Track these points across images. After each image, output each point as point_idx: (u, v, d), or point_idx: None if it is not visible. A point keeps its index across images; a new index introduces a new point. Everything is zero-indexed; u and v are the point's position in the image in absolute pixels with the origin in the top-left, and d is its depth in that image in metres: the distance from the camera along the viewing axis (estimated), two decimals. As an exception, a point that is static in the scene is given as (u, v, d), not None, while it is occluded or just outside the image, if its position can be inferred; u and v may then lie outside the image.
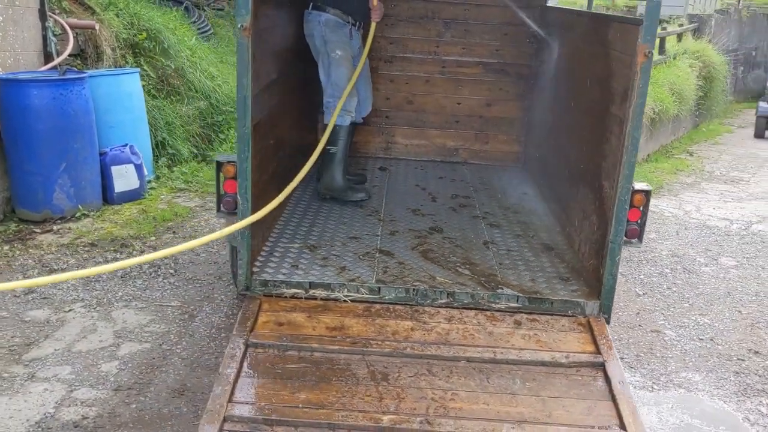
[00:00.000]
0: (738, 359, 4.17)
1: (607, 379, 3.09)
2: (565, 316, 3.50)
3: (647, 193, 3.54)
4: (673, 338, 4.42)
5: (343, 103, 4.50)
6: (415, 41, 5.91)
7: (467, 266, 3.87)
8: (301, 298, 3.53)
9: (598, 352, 3.24)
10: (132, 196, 6.56)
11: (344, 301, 3.52)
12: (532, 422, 2.85)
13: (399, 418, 2.82)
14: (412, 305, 3.52)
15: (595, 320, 3.46)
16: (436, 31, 5.87)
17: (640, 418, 2.89)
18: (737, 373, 4.02)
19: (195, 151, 7.86)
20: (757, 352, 4.26)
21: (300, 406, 2.88)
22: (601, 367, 3.16)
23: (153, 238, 5.71)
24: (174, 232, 5.86)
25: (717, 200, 7.97)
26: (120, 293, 4.71)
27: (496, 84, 5.95)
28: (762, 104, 13.65)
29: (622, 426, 2.83)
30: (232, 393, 2.90)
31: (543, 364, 3.17)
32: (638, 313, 4.76)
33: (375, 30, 4.55)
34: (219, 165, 3.57)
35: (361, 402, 2.92)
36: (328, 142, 4.59)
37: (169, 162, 7.45)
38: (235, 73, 9.75)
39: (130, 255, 5.32)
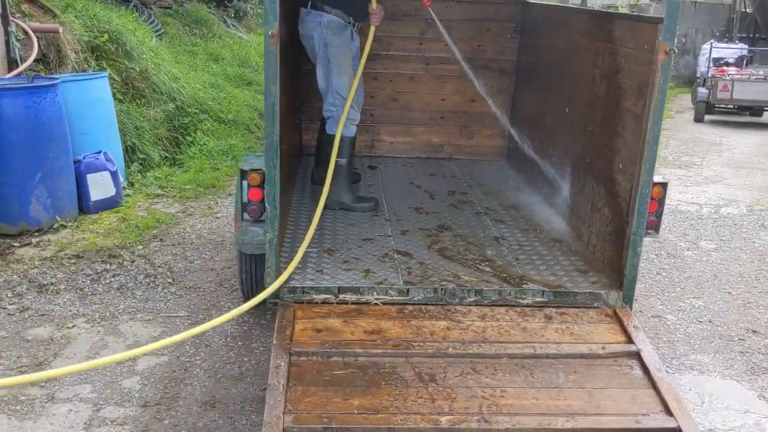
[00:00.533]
0: (739, 339, 4.37)
1: (644, 368, 3.20)
2: (590, 308, 3.60)
3: (664, 186, 3.66)
4: (675, 322, 4.58)
5: (347, 113, 4.49)
6: (399, 39, 5.92)
7: (486, 263, 3.92)
8: (332, 303, 3.52)
9: (630, 341, 3.35)
10: (108, 204, 6.38)
11: (375, 304, 3.53)
12: (583, 414, 2.92)
13: (456, 418, 2.86)
14: (442, 305, 3.55)
15: (621, 310, 3.57)
16: (419, 28, 5.90)
17: (684, 404, 3.00)
18: (742, 353, 4.21)
19: (165, 154, 7.69)
20: (755, 332, 4.46)
21: (355, 412, 2.88)
22: (637, 355, 3.26)
23: (140, 247, 5.57)
24: (161, 240, 5.73)
25: (678, 185, 8.26)
26: (121, 306, 4.59)
27: (480, 79, 6.00)
28: (700, 90, 14.18)
29: (668, 412, 2.94)
30: (285, 403, 2.89)
31: (582, 356, 3.26)
32: (636, 299, 4.90)
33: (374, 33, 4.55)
34: (243, 173, 3.52)
35: (414, 404, 2.94)
36: (335, 155, 4.56)
37: (141, 167, 7.27)
38: (194, 73, 9.61)
39: (120, 266, 5.19)
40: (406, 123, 6.10)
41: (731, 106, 14.39)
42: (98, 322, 4.37)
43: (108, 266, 5.19)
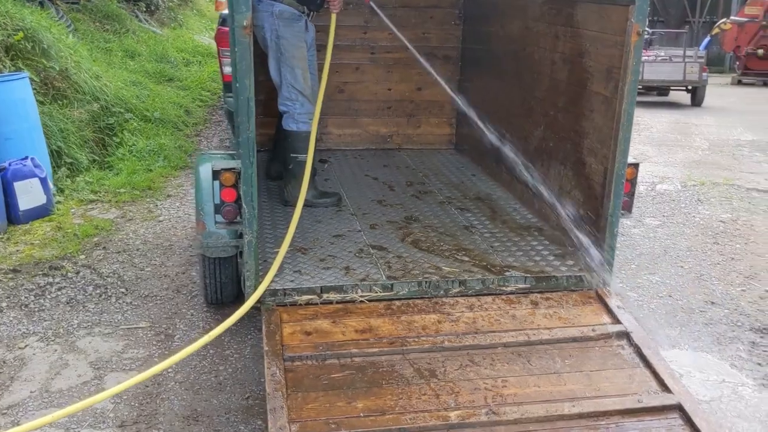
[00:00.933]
0: (700, 311, 4.51)
1: (635, 347, 3.24)
2: (573, 291, 3.62)
3: (636, 166, 3.72)
4: (637, 299, 4.70)
5: (305, 107, 4.35)
6: (343, 28, 5.78)
7: (463, 253, 3.89)
8: (317, 303, 3.41)
9: (618, 321, 3.39)
10: (39, 212, 6.00)
11: (361, 301, 3.43)
12: (586, 398, 2.93)
13: (464, 412, 2.81)
14: (428, 298, 3.49)
15: (603, 292, 3.61)
16: (363, 17, 5.79)
17: (680, 380, 3.06)
18: (706, 324, 4.35)
19: (94, 157, 7.29)
20: (713, 303, 4.63)
21: (361, 415, 2.79)
22: (626, 335, 3.30)
23: (83, 256, 5.26)
24: (104, 247, 5.43)
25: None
26: (75, 321, 4.32)
27: (425, 68, 5.97)
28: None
29: (667, 389, 2.99)
30: (289, 412, 2.77)
31: (574, 339, 3.27)
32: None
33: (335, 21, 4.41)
34: (216, 173, 3.35)
35: (419, 402, 2.87)
36: (293, 150, 4.42)
37: (69, 172, 6.87)
38: (113, 71, 9.17)
39: (64, 278, 4.89)
40: (353, 114, 6.00)
41: (640, 87, 14.94)
42: (52, 340, 4.10)
43: (51, 279, 4.87)
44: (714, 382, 3.71)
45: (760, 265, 5.15)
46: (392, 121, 6.07)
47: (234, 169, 3.33)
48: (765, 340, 4.12)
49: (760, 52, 16.94)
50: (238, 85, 3.14)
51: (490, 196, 4.84)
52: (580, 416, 2.86)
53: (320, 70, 4.54)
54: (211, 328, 4.22)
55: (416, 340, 3.19)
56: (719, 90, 15.97)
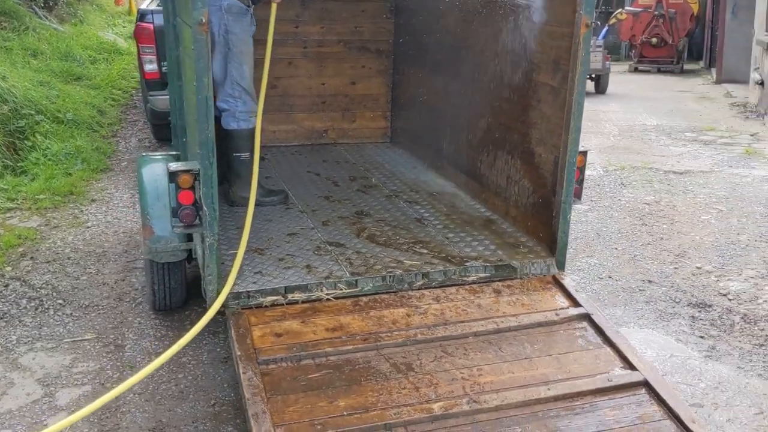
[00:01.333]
0: (640, 290, 4.72)
1: (597, 328, 3.35)
2: (531, 277, 3.71)
3: (585, 154, 3.84)
4: (579, 281, 4.86)
5: (247, 104, 4.25)
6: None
7: (420, 245, 3.91)
8: (282, 304, 3.35)
9: (578, 304, 3.49)
10: (-47, 224, 5.64)
11: (328, 299, 3.40)
12: (559, 381, 3.02)
13: (446, 403, 2.83)
14: (394, 292, 3.50)
15: (560, 276, 3.71)
16: (295, 11, 5.71)
17: (642, 357, 3.19)
18: (647, 302, 4.55)
19: (7, 162, 6.89)
20: (651, 281, 4.84)
21: (345, 414, 2.77)
22: (587, 317, 3.41)
23: (9, 268, 4.98)
24: (32, 257, 5.15)
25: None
26: (13, 337, 4.08)
27: (359, 61, 5.96)
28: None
29: (632, 367, 3.11)
30: (272, 417, 2.71)
31: (540, 325, 3.35)
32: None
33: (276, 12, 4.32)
34: (173, 175, 3.22)
35: (400, 396, 2.88)
36: (235, 149, 4.32)
37: (-19, 179, 6.47)
38: (17, 71, 8.68)
39: (-7, 292, 4.60)
40: (287, 110, 5.91)
41: None
42: (-9, 359, 3.86)
43: (-22, 294, 4.59)
44: (664, 357, 3.90)
45: (688, 244, 5.44)
46: (327, 116, 6.03)
47: (191, 170, 3.22)
48: (703, 314, 4.36)
49: (654, 40, 17.79)
50: (195, 83, 3.04)
51: (435, 189, 4.88)
52: (556, 399, 2.94)
53: (258, 65, 4.45)
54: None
55: (389, 334, 3.19)
56: (618, 77, 16.67)
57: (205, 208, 3.18)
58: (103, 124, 8.81)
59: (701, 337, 4.10)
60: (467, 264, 3.68)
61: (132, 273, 4.90)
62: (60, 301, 4.49)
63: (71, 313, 4.35)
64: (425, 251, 3.84)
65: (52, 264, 5.04)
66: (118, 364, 3.80)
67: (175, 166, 3.25)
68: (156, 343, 4.02)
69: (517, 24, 4.04)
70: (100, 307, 4.42)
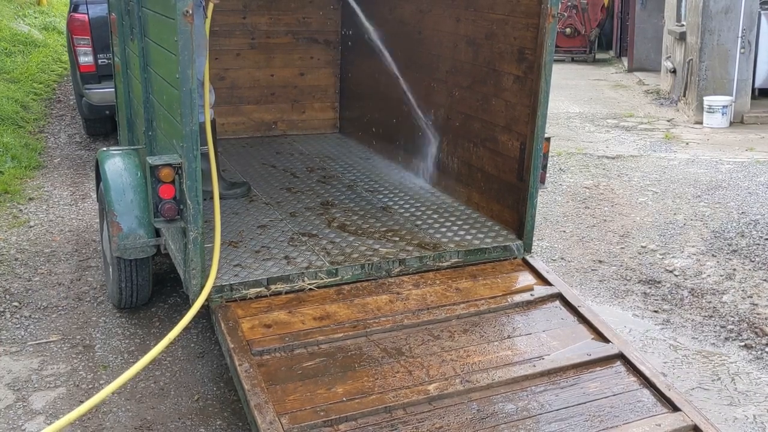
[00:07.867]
0: (592, 270, 4.94)
1: (570, 306, 3.52)
2: (503, 260, 3.85)
3: (548, 140, 3.99)
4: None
5: (201, 99, 4.18)
6: (221, 13, 5.59)
7: (391, 233, 3.98)
8: (266, 296, 3.36)
9: (549, 283, 3.65)
10: None
11: (310, 289, 3.43)
12: (541, 357, 3.16)
13: (440, 384, 2.93)
14: (373, 279, 3.56)
15: (529, 259, 3.86)
16: (242, 1, 5.65)
17: (615, 331, 3.38)
18: (600, 281, 4.77)
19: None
20: (601, 261, 5.08)
21: (345, 399, 2.83)
22: (559, 296, 3.57)
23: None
24: (-25, 260, 4.93)
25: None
26: (-29, 342, 3.91)
27: (307, 53, 5.96)
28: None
29: (606, 340, 3.29)
30: (274, 406, 2.74)
31: (517, 305, 3.49)
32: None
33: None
34: (154, 169, 3.17)
35: (395, 380, 2.95)
36: None
37: None
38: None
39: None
40: (236, 102, 5.85)
41: None
42: (-48, 366, 3.69)
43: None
44: (622, 332, 4.11)
45: (630, 225, 5.72)
46: (276, 107, 6.00)
47: (171, 164, 3.18)
48: (653, 289, 4.61)
49: (568, 30, 18.38)
50: (179, 76, 3.01)
51: (393, 176, 4.96)
52: (542, 375, 3.07)
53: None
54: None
55: (376, 321, 3.25)
56: (538, 67, 17.17)
57: (189, 201, 3.15)
58: (29, 120, 8.44)
59: (655, 311, 4.35)
60: (441, 249, 3.78)
61: (87, 272, 4.76)
62: (15, 304, 4.32)
63: (30, 315, 4.20)
64: (397, 239, 3.91)
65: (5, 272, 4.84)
66: (90, 364, 3.70)
67: (155, 160, 3.20)
68: (126, 341, 3.94)
69: (477, 14, 4.15)
70: (59, 308, 4.29)
